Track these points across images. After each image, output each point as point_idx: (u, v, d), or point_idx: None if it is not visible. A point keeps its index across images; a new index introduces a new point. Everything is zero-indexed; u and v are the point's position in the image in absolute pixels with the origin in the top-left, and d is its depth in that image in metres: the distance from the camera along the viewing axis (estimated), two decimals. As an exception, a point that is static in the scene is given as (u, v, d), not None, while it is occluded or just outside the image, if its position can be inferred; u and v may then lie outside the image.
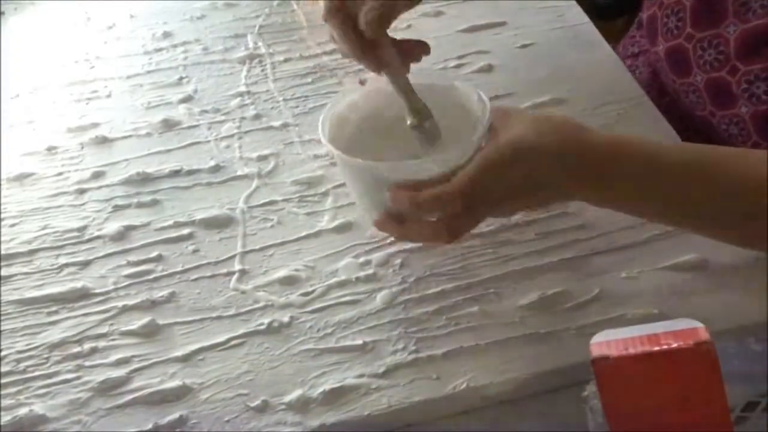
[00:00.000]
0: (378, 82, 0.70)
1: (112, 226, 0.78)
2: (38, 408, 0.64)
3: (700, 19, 0.78)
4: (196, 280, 0.73)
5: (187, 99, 0.93)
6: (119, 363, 0.66)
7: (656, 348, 0.46)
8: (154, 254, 0.75)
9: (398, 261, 0.72)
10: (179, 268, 0.74)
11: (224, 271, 0.73)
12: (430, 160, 0.64)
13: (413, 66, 0.71)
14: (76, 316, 0.70)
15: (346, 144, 0.67)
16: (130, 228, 0.78)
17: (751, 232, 0.58)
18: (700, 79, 0.79)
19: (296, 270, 0.72)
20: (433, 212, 0.62)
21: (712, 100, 0.80)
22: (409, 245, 0.73)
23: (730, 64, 0.76)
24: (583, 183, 0.60)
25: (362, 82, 0.72)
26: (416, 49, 0.71)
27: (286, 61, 0.97)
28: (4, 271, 0.74)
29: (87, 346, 0.68)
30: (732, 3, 0.75)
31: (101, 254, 0.75)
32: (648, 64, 0.92)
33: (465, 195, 0.60)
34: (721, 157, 0.59)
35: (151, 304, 0.71)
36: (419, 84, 0.69)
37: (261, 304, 0.70)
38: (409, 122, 0.68)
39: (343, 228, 0.76)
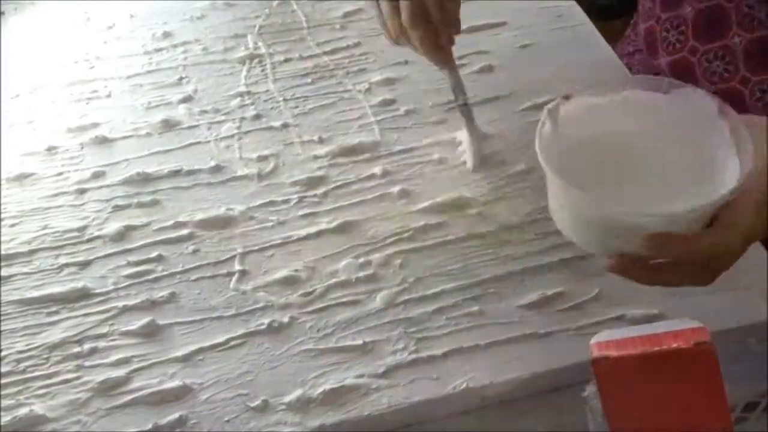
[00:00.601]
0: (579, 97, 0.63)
1: (112, 226, 0.78)
2: (38, 408, 0.64)
3: (703, 32, 0.77)
4: (196, 280, 0.73)
5: (187, 99, 0.92)
6: (119, 363, 0.66)
7: (656, 348, 0.46)
8: (154, 254, 0.75)
9: (398, 261, 0.72)
10: (179, 269, 0.74)
11: (224, 271, 0.73)
12: (695, 204, 0.54)
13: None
14: (76, 317, 0.70)
15: (568, 172, 0.57)
16: (130, 228, 0.78)
17: None
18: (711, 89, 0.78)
19: (296, 270, 0.72)
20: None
21: None
22: (411, 245, 0.73)
23: (739, 74, 0.75)
24: None
25: (567, 97, 0.63)
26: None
27: (286, 61, 0.97)
28: (4, 272, 0.74)
29: (87, 346, 0.68)
30: (736, 14, 0.74)
31: (101, 254, 0.75)
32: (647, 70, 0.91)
33: (740, 245, 0.55)
34: None
35: (151, 305, 0.71)
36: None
37: (261, 305, 0.70)
38: (458, 102, 0.78)
39: (343, 228, 0.76)
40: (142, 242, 0.76)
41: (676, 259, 0.55)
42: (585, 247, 0.60)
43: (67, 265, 0.75)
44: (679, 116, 0.60)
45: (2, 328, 0.70)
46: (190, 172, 0.83)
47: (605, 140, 0.60)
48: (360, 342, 0.66)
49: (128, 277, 0.73)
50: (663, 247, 0.54)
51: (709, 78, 0.77)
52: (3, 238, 0.77)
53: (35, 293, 0.72)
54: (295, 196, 0.80)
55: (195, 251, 0.75)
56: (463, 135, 0.82)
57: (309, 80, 0.94)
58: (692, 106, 0.59)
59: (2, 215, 0.80)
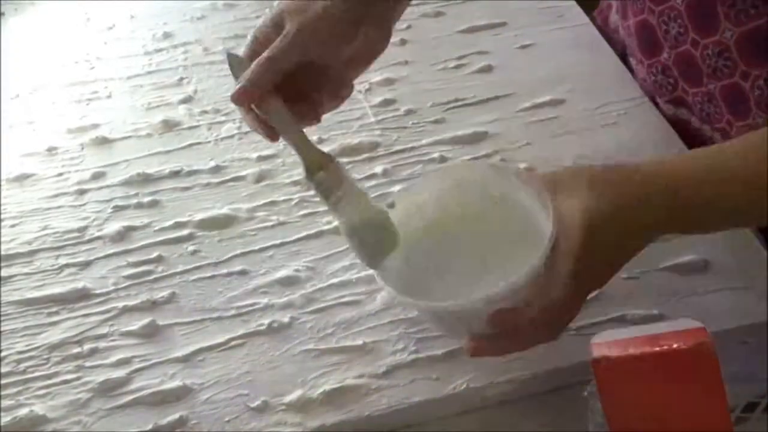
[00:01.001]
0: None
1: (113, 227, 0.78)
2: (38, 408, 0.64)
3: (698, 24, 0.77)
4: (196, 280, 0.73)
5: (187, 99, 0.92)
6: (119, 363, 0.66)
7: (656, 348, 0.46)
8: (154, 255, 0.75)
9: (398, 261, 0.72)
10: (179, 269, 0.74)
11: (224, 271, 0.73)
12: (506, 280, 0.56)
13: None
14: (76, 317, 0.70)
15: (401, 279, 0.61)
16: (130, 228, 0.78)
17: None
18: (713, 86, 0.78)
19: (296, 270, 0.72)
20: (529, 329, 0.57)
21: (729, 109, 0.78)
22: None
23: (739, 69, 0.75)
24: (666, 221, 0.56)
25: (391, 205, 0.64)
26: (331, 99, 0.67)
27: (286, 61, 0.97)
28: (5, 272, 0.74)
29: (87, 346, 0.68)
30: (721, 7, 0.74)
31: (101, 255, 0.75)
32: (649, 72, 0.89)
33: (577, 301, 0.56)
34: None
35: (152, 305, 0.71)
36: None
37: (261, 305, 0.70)
38: (303, 176, 0.63)
39: (343, 228, 0.76)
40: (142, 243, 0.76)
41: (519, 328, 0.56)
42: (451, 337, 0.64)
43: (67, 265, 0.75)
44: (491, 191, 0.63)
45: (2, 329, 0.70)
46: (190, 173, 0.83)
47: (430, 236, 0.64)
48: (360, 342, 0.66)
49: (128, 277, 0.73)
50: (502, 324, 0.56)
51: (713, 75, 0.77)
52: (3, 239, 0.78)
53: (35, 294, 0.72)
54: (296, 196, 0.80)
55: (195, 251, 0.75)
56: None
57: (309, 80, 0.93)
58: (499, 180, 0.63)
59: (2, 216, 0.80)
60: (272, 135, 0.65)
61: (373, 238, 0.61)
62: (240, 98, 0.64)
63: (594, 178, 0.56)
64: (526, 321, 0.56)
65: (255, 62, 0.63)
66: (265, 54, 0.63)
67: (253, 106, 0.64)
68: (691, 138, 0.82)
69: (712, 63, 0.76)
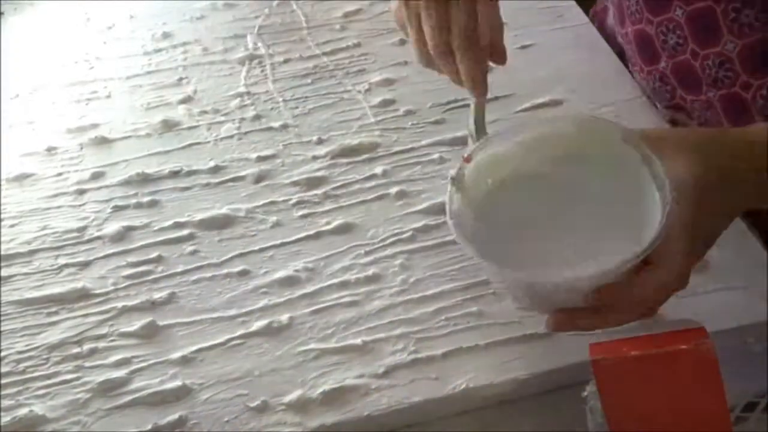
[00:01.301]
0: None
1: (112, 227, 0.78)
2: (38, 408, 0.64)
3: (699, 36, 0.76)
4: (195, 280, 0.72)
5: (186, 100, 0.92)
6: (119, 364, 0.66)
7: (656, 348, 0.46)
8: (153, 255, 0.75)
9: (398, 261, 0.72)
10: (179, 269, 0.74)
11: (224, 271, 0.73)
12: (626, 256, 0.51)
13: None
14: (75, 317, 0.70)
15: (475, 240, 0.55)
16: (129, 228, 0.78)
17: None
18: (713, 95, 0.78)
19: (296, 271, 0.72)
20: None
21: (729, 117, 0.78)
22: (411, 246, 0.73)
23: (741, 79, 0.75)
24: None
25: (467, 159, 0.60)
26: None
27: (285, 61, 0.97)
28: (4, 272, 0.74)
29: (87, 346, 0.68)
30: (724, 19, 0.74)
31: (101, 255, 0.75)
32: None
33: (684, 274, 0.54)
34: None
35: (151, 305, 0.71)
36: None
37: (261, 305, 0.70)
38: (473, 135, 0.63)
39: (343, 229, 0.76)
40: (141, 243, 0.76)
41: (618, 304, 0.54)
42: (530, 310, 0.61)
43: (66, 265, 0.75)
44: (587, 149, 0.58)
45: (2, 329, 0.70)
46: (190, 173, 0.83)
47: (518, 195, 0.59)
48: (360, 342, 0.66)
49: (128, 277, 0.73)
50: (600, 300, 0.53)
51: (713, 84, 0.76)
52: (3, 239, 0.77)
53: (35, 294, 0.72)
54: (295, 196, 0.80)
55: (195, 251, 0.75)
56: None
57: (309, 81, 0.94)
58: (598, 136, 0.58)
59: (2, 215, 0.80)
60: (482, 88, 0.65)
61: None
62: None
63: (699, 140, 0.56)
64: (627, 299, 0.53)
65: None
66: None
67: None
68: None
69: (712, 73, 0.76)
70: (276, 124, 0.88)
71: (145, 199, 0.81)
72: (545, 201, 0.58)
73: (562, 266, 0.53)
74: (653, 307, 0.56)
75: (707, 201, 0.53)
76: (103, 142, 0.88)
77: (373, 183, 0.80)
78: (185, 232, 0.77)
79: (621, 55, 0.91)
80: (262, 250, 0.75)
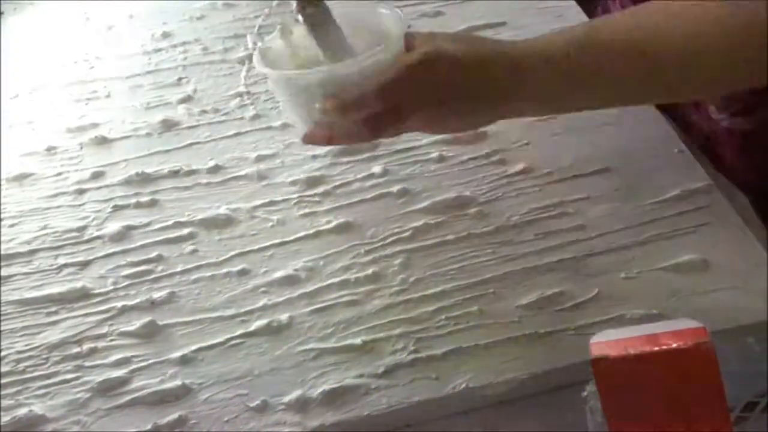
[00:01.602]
0: None
1: (112, 227, 0.78)
2: (38, 408, 0.64)
3: None
4: (195, 280, 0.72)
5: (186, 99, 0.93)
6: (119, 363, 0.66)
7: (656, 348, 0.46)
8: (153, 254, 0.75)
9: (398, 261, 0.72)
10: (179, 269, 0.74)
11: (224, 271, 0.73)
12: (351, 62, 0.65)
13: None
14: (75, 317, 0.70)
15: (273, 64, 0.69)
16: (129, 228, 0.78)
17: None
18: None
19: (296, 270, 0.72)
20: (359, 114, 0.64)
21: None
22: (411, 245, 0.73)
23: None
24: (517, 92, 0.65)
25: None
26: None
27: (285, 61, 0.97)
28: (4, 272, 0.74)
29: (86, 346, 0.68)
30: None
31: (101, 254, 0.75)
32: None
33: (386, 93, 0.63)
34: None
35: (151, 305, 0.71)
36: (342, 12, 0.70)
37: (261, 305, 0.70)
38: (293, 8, 0.69)
39: (343, 228, 0.76)
40: (141, 242, 0.76)
41: (353, 114, 0.64)
42: (299, 128, 0.69)
43: (66, 265, 0.75)
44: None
45: (2, 328, 0.70)
46: (190, 172, 0.83)
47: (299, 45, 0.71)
48: (359, 342, 0.66)
49: (128, 277, 0.73)
50: (332, 104, 0.63)
51: None
52: (2, 238, 0.78)
53: (35, 293, 0.72)
54: (295, 195, 0.80)
55: (195, 251, 0.75)
56: None
57: (309, 80, 0.94)
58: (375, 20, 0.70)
59: (2, 215, 0.80)
60: None
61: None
62: None
63: (460, 35, 0.67)
64: (353, 112, 0.63)
65: None
66: None
67: None
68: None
69: None
70: (276, 124, 0.88)
71: (145, 198, 0.81)
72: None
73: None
74: (370, 124, 0.64)
75: (430, 64, 0.63)
76: (103, 141, 0.88)
77: (372, 182, 0.80)
78: (185, 231, 0.77)
79: None
80: (261, 249, 0.75)
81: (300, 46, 0.70)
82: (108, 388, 0.65)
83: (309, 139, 0.68)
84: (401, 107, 0.64)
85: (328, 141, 0.69)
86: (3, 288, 0.73)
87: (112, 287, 0.72)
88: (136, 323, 0.69)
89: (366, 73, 0.64)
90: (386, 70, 0.64)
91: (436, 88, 0.64)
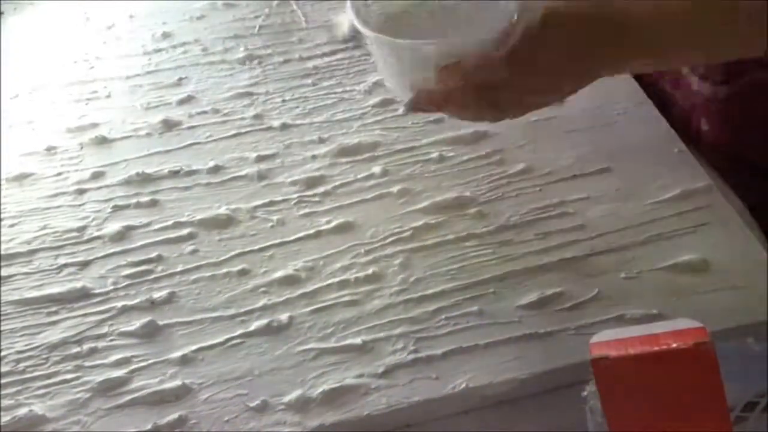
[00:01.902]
0: None
1: (112, 227, 0.78)
2: (38, 408, 0.64)
3: None
4: (195, 280, 0.72)
5: (186, 99, 0.93)
6: (119, 363, 0.66)
7: (656, 348, 0.46)
8: (153, 254, 0.75)
9: (398, 261, 0.72)
10: (179, 269, 0.74)
11: (224, 271, 0.73)
12: (472, 36, 0.63)
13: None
14: (75, 317, 0.70)
15: (376, 26, 0.66)
16: (129, 228, 0.78)
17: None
18: None
19: (296, 270, 0.72)
20: (480, 82, 0.62)
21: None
22: (411, 245, 0.73)
23: None
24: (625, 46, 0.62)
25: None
26: None
27: (285, 61, 0.97)
28: (4, 272, 0.74)
29: (86, 346, 0.68)
30: None
31: (101, 254, 0.75)
32: None
33: (510, 62, 0.61)
34: None
35: (151, 305, 0.71)
36: None
37: (260, 305, 0.70)
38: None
39: (343, 228, 0.76)
40: (141, 242, 0.76)
41: (465, 82, 0.62)
42: (402, 96, 0.68)
43: (66, 265, 0.75)
44: None
45: (2, 328, 0.70)
46: (190, 172, 0.83)
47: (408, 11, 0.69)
48: (359, 342, 0.66)
49: (128, 277, 0.73)
50: (447, 75, 0.62)
51: None
52: (3, 238, 0.77)
53: (35, 293, 0.72)
54: (295, 195, 0.80)
55: (194, 251, 0.75)
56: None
57: (309, 80, 0.94)
58: None
59: (2, 215, 0.80)
60: None
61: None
62: None
63: None
64: (470, 77, 0.62)
65: None
66: None
67: None
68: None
69: None
70: (276, 124, 0.88)
71: (145, 198, 0.81)
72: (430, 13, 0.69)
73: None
74: (496, 102, 0.63)
75: (554, 24, 0.61)
76: (103, 141, 0.88)
77: (372, 182, 0.80)
78: (185, 231, 0.77)
79: None
80: (261, 249, 0.75)
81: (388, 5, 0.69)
82: (108, 388, 0.65)
83: (416, 105, 0.66)
84: (524, 82, 0.63)
85: (438, 107, 0.67)
86: (3, 288, 0.73)
87: (112, 287, 0.72)
88: (136, 323, 0.69)
89: (487, 45, 0.62)
90: (509, 36, 0.61)
91: (561, 49, 0.62)
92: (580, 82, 0.65)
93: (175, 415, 0.63)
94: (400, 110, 0.70)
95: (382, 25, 0.67)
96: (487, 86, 0.62)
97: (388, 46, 0.65)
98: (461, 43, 0.63)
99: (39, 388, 0.65)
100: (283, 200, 0.79)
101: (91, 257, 0.75)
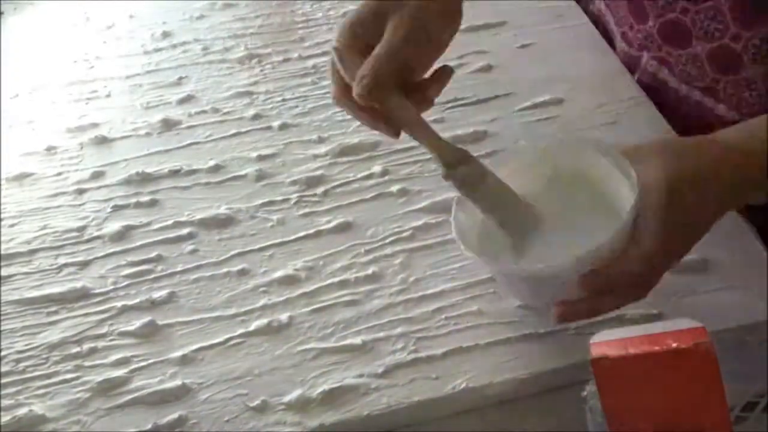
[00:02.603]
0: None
1: (112, 226, 0.78)
2: (38, 408, 0.64)
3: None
4: (195, 280, 0.72)
5: (186, 99, 0.92)
6: (119, 363, 0.66)
7: (656, 348, 0.46)
8: (153, 254, 0.75)
9: (398, 261, 0.72)
10: (179, 268, 0.74)
11: (224, 271, 0.73)
12: (598, 243, 0.57)
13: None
14: (75, 317, 0.70)
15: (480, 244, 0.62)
16: (129, 228, 0.78)
17: None
18: (701, 49, 0.78)
19: (296, 270, 0.72)
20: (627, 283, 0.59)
21: (716, 68, 0.79)
22: (411, 245, 0.73)
23: (730, 31, 0.75)
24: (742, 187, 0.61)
25: None
26: (435, 81, 0.65)
27: (285, 61, 0.97)
28: (4, 271, 0.74)
29: (86, 346, 0.68)
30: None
31: (101, 254, 0.75)
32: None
33: (657, 257, 0.58)
34: None
35: (151, 305, 0.71)
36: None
37: (260, 304, 0.70)
38: (441, 173, 0.61)
39: (343, 228, 0.76)
40: (141, 242, 0.76)
41: (610, 287, 0.58)
42: (534, 306, 0.66)
43: (66, 265, 0.75)
44: (567, 165, 0.65)
45: (2, 328, 0.70)
46: (190, 172, 0.83)
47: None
48: (359, 342, 0.66)
49: (128, 277, 0.73)
50: (587, 285, 0.58)
51: (702, 37, 0.77)
52: (3, 238, 0.77)
53: (35, 293, 0.72)
54: (295, 195, 0.80)
55: (194, 251, 0.75)
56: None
57: (308, 80, 0.94)
58: (576, 152, 0.65)
59: (2, 215, 0.80)
60: (395, 132, 0.64)
61: (523, 224, 0.63)
62: (365, 97, 0.61)
63: (671, 146, 0.60)
64: (616, 280, 0.57)
65: (373, 56, 0.61)
66: (382, 47, 0.61)
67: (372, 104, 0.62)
68: (671, 100, 0.84)
69: (703, 26, 0.77)
70: (276, 123, 0.88)
71: (145, 198, 0.81)
72: (537, 217, 0.64)
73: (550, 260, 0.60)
74: (643, 286, 0.59)
75: (679, 193, 0.57)
76: (102, 141, 0.88)
77: (372, 182, 0.80)
78: (185, 231, 0.77)
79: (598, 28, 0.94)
80: (261, 249, 0.75)
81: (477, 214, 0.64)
82: (108, 388, 0.65)
83: (566, 317, 0.60)
84: (670, 262, 0.60)
85: (591, 314, 0.61)
86: (3, 288, 0.73)
87: (112, 287, 0.72)
88: (136, 323, 0.69)
89: (615, 246, 0.57)
90: (635, 245, 0.57)
91: (682, 235, 0.59)
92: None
93: (175, 415, 0.63)
94: (543, 328, 0.65)
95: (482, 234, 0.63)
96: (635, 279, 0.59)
97: (517, 275, 0.61)
98: (595, 251, 0.57)
99: (39, 388, 0.65)
100: (283, 200, 0.79)
101: (91, 257, 0.75)
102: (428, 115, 0.86)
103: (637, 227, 0.57)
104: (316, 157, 0.83)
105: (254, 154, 0.84)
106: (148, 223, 0.78)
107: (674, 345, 0.45)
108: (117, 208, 0.80)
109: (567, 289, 0.58)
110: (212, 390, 0.64)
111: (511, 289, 0.65)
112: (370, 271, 0.71)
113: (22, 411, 0.64)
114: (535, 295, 0.63)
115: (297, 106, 0.90)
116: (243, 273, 0.73)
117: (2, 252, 0.76)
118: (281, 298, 0.70)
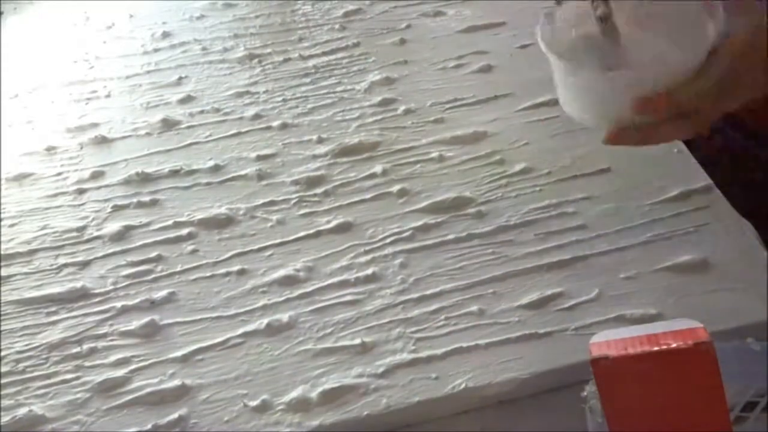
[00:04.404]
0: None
1: (112, 226, 0.78)
2: (37, 408, 0.64)
3: None
4: (195, 280, 0.72)
5: (186, 99, 0.92)
6: (118, 363, 0.66)
7: (656, 348, 0.46)
8: (153, 254, 0.75)
9: (398, 261, 0.72)
10: (179, 269, 0.74)
11: (223, 271, 0.73)
12: (676, 57, 0.60)
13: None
14: (75, 317, 0.70)
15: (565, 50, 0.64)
16: (129, 228, 0.78)
17: None
18: None
19: (295, 270, 0.72)
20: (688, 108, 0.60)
21: None
22: (411, 245, 0.73)
23: None
24: None
25: (559, 2, 0.67)
26: None
27: (285, 61, 0.97)
28: (4, 272, 0.74)
29: (86, 346, 0.68)
30: None
31: (100, 254, 0.75)
32: None
33: (720, 85, 0.59)
34: None
35: (151, 305, 0.71)
36: None
37: (260, 304, 0.70)
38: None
39: (343, 228, 0.76)
40: (141, 242, 0.76)
41: (664, 116, 0.60)
42: (591, 123, 0.67)
43: (66, 265, 0.75)
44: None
45: (1, 328, 0.70)
46: (190, 172, 0.83)
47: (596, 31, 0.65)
48: (359, 342, 0.66)
49: (127, 277, 0.73)
50: (651, 106, 0.59)
51: None
52: (2, 238, 0.77)
53: (34, 293, 0.72)
54: (295, 195, 0.80)
55: (194, 251, 0.75)
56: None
57: (308, 80, 0.94)
58: None
59: (2, 215, 0.80)
60: None
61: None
62: None
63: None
64: (675, 105, 0.59)
65: None
66: None
67: None
68: None
69: None
70: (276, 124, 0.88)
71: (145, 198, 0.81)
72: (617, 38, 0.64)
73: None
74: (696, 122, 0.60)
75: (760, 50, 0.58)
76: (102, 141, 0.88)
77: (372, 182, 0.80)
78: (185, 231, 0.77)
79: None
80: (261, 249, 0.75)
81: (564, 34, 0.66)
82: (108, 388, 0.65)
83: (614, 140, 0.63)
84: (736, 90, 0.60)
85: (645, 140, 0.63)
86: (3, 288, 0.73)
87: (112, 287, 0.72)
88: (135, 323, 0.69)
89: (693, 69, 0.59)
90: (713, 61, 0.59)
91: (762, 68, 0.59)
92: None
93: (175, 415, 0.63)
94: (603, 141, 0.65)
95: (571, 46, 0.65)
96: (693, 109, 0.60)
97: (578, 73, 0.63)
98: (665, 70, 0.59)
99: (39, 388, 0.65)
100: (283, 200, 0.79)
101: (90, 257, 0.75)
102: (428, 116, 0.86)
103: (710, 63, 0.58)
104: (316, 157, 0.83)
105: (254, 154, 0.84)
106: (148, 223, 0.78)
107: (674, 345, 0.45)
108: (117, 208, 0.80)
109: (626, 109, 0.59)
110: (212, 390, 0.64)
111: (577, 98, 0.65)
112: (369, 272, 0.71)
113: (21, 411, 0.64)
114: (597, 112, 0.64)
115: (297, 106, 0.90)
116: (243, 273, 0.73)
117: (2, 252, 0.76)
118: (281, 298, 0.70)
